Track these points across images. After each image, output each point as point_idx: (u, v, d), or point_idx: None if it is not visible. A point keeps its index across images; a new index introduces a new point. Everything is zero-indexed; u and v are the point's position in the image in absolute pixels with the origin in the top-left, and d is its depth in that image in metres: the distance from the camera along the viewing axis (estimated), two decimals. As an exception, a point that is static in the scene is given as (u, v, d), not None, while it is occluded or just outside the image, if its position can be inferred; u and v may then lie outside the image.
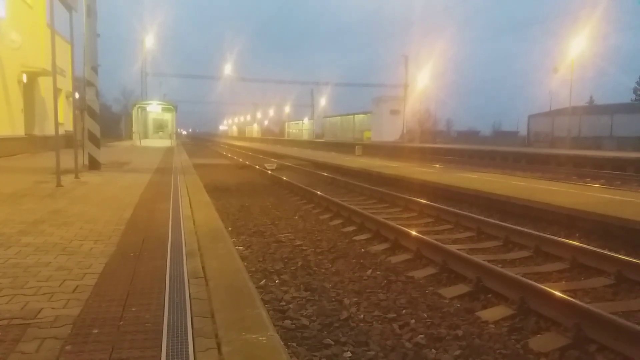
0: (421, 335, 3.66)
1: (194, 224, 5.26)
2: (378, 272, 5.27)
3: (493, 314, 4.09)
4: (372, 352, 3.37)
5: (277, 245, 6.43)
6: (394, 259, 5.81)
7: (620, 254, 5.41)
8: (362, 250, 6.28)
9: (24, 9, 18.05)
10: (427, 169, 15.87)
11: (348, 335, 3.63)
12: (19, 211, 5.81)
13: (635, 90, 63.98)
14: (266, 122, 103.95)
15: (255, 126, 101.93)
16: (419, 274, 5.23)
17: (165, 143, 30.91)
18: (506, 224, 6.89)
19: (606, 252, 5.44)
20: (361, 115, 57.94)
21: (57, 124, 9.28)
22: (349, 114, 62.36)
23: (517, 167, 20.66)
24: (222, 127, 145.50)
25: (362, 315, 4.04)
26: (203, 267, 3.56)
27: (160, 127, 34.39)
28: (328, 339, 3.54)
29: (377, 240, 6.77)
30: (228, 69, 58.46)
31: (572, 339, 3.53)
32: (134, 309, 2.72)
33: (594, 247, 5.70)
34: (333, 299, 4.41)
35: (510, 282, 4.39)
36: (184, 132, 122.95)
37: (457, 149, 31.75)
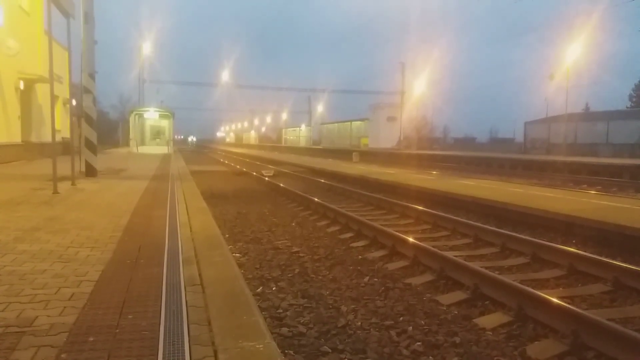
0: (419, 343, 3.65)
1: (190, 231, 5.24)
2: (375, 279, 5.26)
3: (490, 320, 4.08)
4: (370, 360, 3.35)
5: (274, 252, 6.42)
6: (392, 266, 5.80)
7: (617, 261, 5.41)
8: (360, 257, 6.26)
9: (21, 16, 18.09)
10: (424, 176, 15.89)
11: (345, 343, 3.62)
12: (14, 218, 5.78)
13: (630, 97, 64.43)
14: (263, 129, 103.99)
15: (253, 133, 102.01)
16: (417, 280, 5.22)
17: (163, 150, 30.89)
18: (503, 231, 6.90)
19: (603, 258, 5.45)
20: (358, 122, 58.14)
21: (54, 130, 9.27)
22: (346, 121, 62.57)
23: (513, 174, 20.72)
24: (219, 134, 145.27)
25: (359, 323, 4.03)
26: (200, 275, 3.54)
27: (157, 134, 34.39)
28: (325, 347, 3.53)
29: (374, 247, 6.77)
30: (226, 75, 58.53)
31: (569, 345, 3.53)
32: (130, 316, 2.71)
33: (591, 253, 5.71)
34: (330, 306, 4.40)
35: (508, 289, 4.39)
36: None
37: (454, 155, 31.83)
